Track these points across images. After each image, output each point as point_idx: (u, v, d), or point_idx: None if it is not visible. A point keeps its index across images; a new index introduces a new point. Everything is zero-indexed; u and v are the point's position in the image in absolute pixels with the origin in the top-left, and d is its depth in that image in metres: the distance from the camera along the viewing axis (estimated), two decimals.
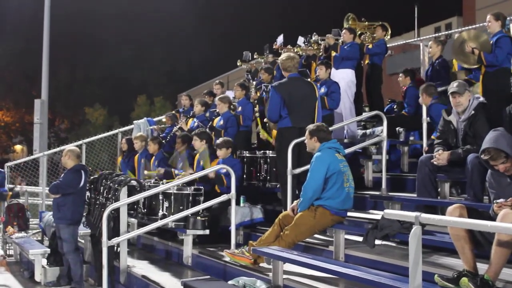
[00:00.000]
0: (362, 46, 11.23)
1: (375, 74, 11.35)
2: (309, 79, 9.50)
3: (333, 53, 11.10)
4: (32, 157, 16.04)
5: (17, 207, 12.94)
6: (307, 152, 7.35)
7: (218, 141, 9.18)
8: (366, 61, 11.52)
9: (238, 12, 77.73)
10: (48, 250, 10.25)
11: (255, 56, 13.88)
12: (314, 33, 12.34)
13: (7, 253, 12.92)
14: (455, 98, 6.57)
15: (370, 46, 11.33)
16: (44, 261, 10.20)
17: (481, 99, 6.71)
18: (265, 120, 10.46)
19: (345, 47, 10.90)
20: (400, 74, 10.64)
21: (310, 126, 6.96)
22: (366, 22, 12.13)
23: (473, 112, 6.52)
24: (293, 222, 6.60)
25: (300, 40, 12.69)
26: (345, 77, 10.68)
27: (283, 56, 8.36)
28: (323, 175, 6.51)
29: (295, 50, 12.03)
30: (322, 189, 6.55)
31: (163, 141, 11.58)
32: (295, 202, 6.94)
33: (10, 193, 11.69)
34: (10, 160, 14.20)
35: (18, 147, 62.84)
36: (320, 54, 11.92)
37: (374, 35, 11.63)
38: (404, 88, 10.51)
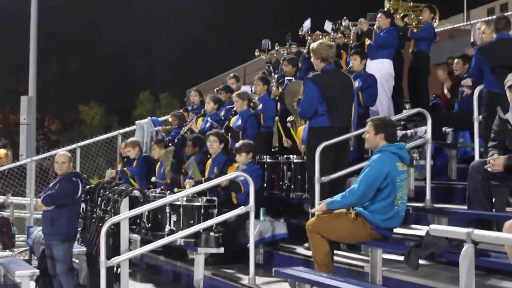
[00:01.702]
0: (404, 31, 11.14)
1: (422, 63, 11.21)
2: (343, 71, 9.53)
3: (367, 41, 11.08)
4: (18, 163, 16.20)
5: (1, 221, 13.06)
6: (345, 155, 7.34)
7: (237, 145, 9.19)
8: (411, 49, 11.43)
9: None
10: (37, 271, 10.30)
11: (276, 48, 13.91)
12: (344, 17, 12.31)
13: None
14: None
15: (415, 30, 11.26)
16: (33, 284, 10.27)
17: None
18: (288, 118, 10.50)
19: (381, 33, 10.85)
20: (456, 60, 10.50)
21: (375, 119, 6.82)
22: (411, 3, 12.07)
23: None
24: (328, 214, 6.57)
25: (328, 25, 12.66)
26: (381, 69, 10.63)
27: (320, 42, 8.34)
28: (378, 184, 6.37)
29: (324, 38, 12.03)
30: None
31: (170, 144, 11.64)
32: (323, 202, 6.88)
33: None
34: None
35: (2, 152, 63.40)
36: (351, 42, 11.91)
37: (420, 17, 11.56)
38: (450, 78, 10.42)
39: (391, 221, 6.51)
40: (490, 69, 7.71)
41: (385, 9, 11.55)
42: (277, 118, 11.09)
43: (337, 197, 6.59)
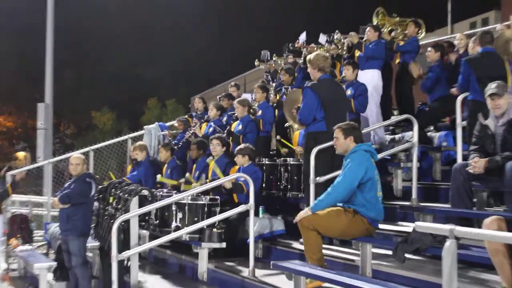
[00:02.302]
0: (391, 44, 11.17)
1: (407, 74, 11.26)
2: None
3: (357, 53, 11.11)
4: (36, 165, 16.16)
5: (20, 218, 13.06)
6: (339, 157, 7.37)
7: (239, 148, 9.21)
8: (397, 61, 11.46)
9: (254, 10, 77.91)
10: (54, 264, 10.33)
11: (274, 58, 13.93)
12: (336, 31, 12.35)
13: (11, 267, 13.04)
14: (494, 100, 6.51)
15: (401, 43, 11.28)
16: (50, 276, 10.28)
17: None
18: (286, 124, 10.51)
19: (370, 45, 10.87)
20: (429, 48, 10.44)
21: (342, 125, 6.84)
22: (398, 18, 12.08)
23: None
24: (324, 211, 6.52)
25: (322, 38, 12.69)
26: (370, 78, 10.64)
27: (317, 53, 8.35)
28: (359, 179, 6.41)
29: (318, 50, 12.04)
30: (355, 195, 6.48)
31: (175, 147, 11.65)
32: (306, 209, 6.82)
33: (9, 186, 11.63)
34: (12, 168, 14.29)
35: (20, 154, 63.27)
36: (345, 53, 11.93)
37: (406, 32, 11.58)
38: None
39: (380, 214, 6.58)
40: (477, 79, 7.71)
41: (374, 24, 11.57)
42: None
43: (321, 197, 6.59)
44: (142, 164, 11.55)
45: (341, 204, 6.61)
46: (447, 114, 10.21)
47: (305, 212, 6.60)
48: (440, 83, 9.99)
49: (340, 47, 12.29)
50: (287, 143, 10.13)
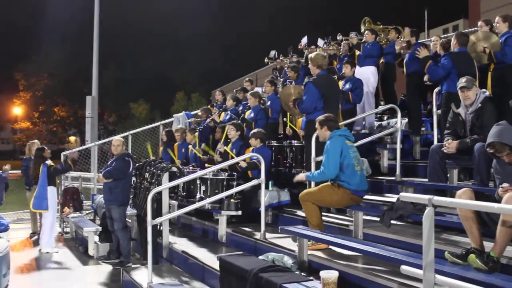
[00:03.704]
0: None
1: (389, 71, 11.21)
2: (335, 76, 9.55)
3: (357, 52, 11.08)
4: (84, 147, 16.25)
5: (72, 190, 13.17)
6: None
7: (253, 132, 9.18)
8: (381, 60, 11.39)
9: (263, 17, 77.69)
10: (100, 228, 10.41)
11: (281, 58, 13.91)
12: (339, 33, 12.35)
13: (64, 230, 13.16)
14: (464, 92, 6.47)
15: (384, 46, 11.24)
16: (96, 238, 10.35)
17: (487, 93, 6.60)
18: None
19: (368, 46, 10.85)
20: (407, 32, 10.28)
21: (320, 118, 6.84)
22: (381, 26, 12.04)
23: (480, 105, 6.41)
24: (317, 187, 6.52)
25: (320, 42, 12.71)
26: (368, 74, 10.67)
27: (316, 53, 8.28)
28: (339, 158, 6.38)
29: (318, 51, 11.99)
30: (337, 174, 6.42)
31: (198, 131, 11.68)
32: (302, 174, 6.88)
33: (70, 163, 11.65)
34: (66, 150, 14.43)
35: (72, 138, 63.27)
36: (340, 53, 11.88)
37: (388, 36, 11.51)
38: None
39: (362, 184, 6.52)
40: (457, 73, 7.55)
41: (362, 31, 11.54)
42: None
43: (315, 173, 6.63)
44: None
45: (329, 180, 6.60)
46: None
47: (302, 177, 6.82)
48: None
49: (335, 48, 12.25)
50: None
